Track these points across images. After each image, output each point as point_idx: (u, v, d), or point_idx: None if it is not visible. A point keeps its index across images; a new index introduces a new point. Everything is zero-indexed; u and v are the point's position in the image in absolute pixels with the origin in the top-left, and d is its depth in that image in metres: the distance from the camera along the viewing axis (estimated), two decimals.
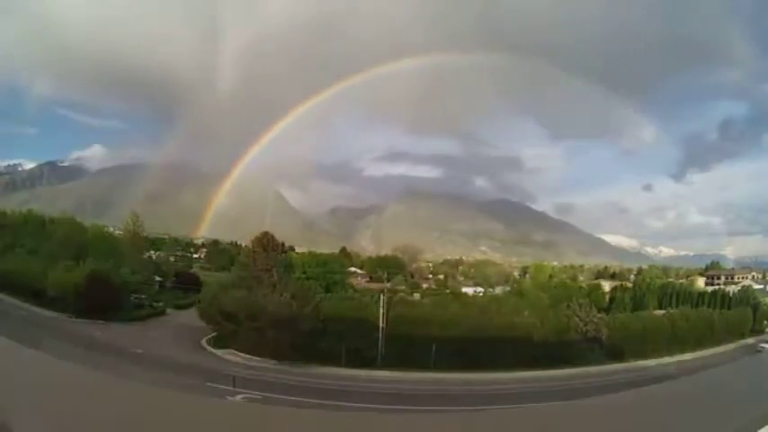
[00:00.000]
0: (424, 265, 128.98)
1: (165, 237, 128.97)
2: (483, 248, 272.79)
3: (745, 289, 73.47)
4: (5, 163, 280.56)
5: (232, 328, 36.76)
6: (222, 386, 23.61)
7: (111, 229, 77.81)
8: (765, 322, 58.38)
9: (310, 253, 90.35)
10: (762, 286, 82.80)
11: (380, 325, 36.73)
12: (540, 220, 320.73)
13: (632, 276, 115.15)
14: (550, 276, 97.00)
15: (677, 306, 55.88)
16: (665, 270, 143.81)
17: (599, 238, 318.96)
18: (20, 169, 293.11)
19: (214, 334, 40.55)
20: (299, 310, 36.69)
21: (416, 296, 69.05)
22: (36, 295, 43.95)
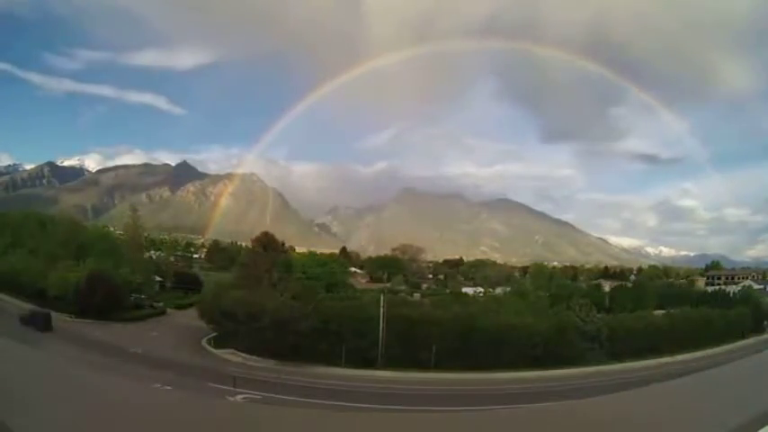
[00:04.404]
0: (424, 265, 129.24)
1: (165, 237, 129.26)
2: (483, 248, 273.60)
3: (746, 289, 73.52)
4: (5, 163, 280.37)
5: (232, 328, 36.74)
6: (222, 386, 23.63)
7: (112, 229, 77.83)
8: (765, 322, 58.38)
9: (310, 253, 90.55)
10: (762, 286, 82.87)
11: (380, 325, 36.68)
12: (540, 220, 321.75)
13: (632, 276, 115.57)
14: (550, 276, 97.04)
15: (677, 306, 55.82)
16: (666, 270, 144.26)
17: (599, 238, 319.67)
18: (20, 169, 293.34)
19: (214, 334, 40.55)
20: (298, 310, 36.67)
21: (416, 296, 69.10)
22: (36, 295, 43.97)
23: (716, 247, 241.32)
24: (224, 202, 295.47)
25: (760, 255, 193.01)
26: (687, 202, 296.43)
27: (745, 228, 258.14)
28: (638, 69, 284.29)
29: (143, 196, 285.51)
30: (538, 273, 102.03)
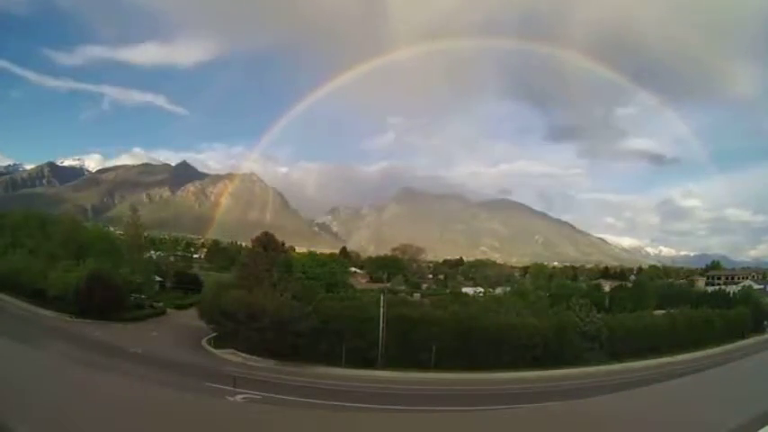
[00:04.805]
0: (424, 265, 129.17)
1: (165, 237, 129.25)
2: (483, 248, 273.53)
3: (746, 289, 73.50)
4: (5, 163, 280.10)
5: (232, 328, 36.76)
6: (222, 386, 23.62)
7: (112, 229, 77.84)
8: (765, 322, 58.40)
9: (310, 253, 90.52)
10: (762, 286, 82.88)
11: (380, 325, 36.70)
12: (540, 220, 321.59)
13: (632, 276, 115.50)
14: (550, 276, 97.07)
15: (677, 306, 55.82)
16: (666, 270, 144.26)
17: (599, 238, 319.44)
18: (20, 169, 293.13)
19: (214, 334, 40.57)
20: (299, 310, 36.69)
21: (416, 296, 69.09)
22: (36, 295, 43.96)
23: (716, 247, 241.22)
24: (224, 202, 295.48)
25: (760, 255, 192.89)
26: (688, 203, 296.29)
27: (746, 228, 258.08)
28: (644, 69, 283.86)
29: (143, 196, 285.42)
30: (538, 273, 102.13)
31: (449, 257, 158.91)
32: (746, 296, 66.33)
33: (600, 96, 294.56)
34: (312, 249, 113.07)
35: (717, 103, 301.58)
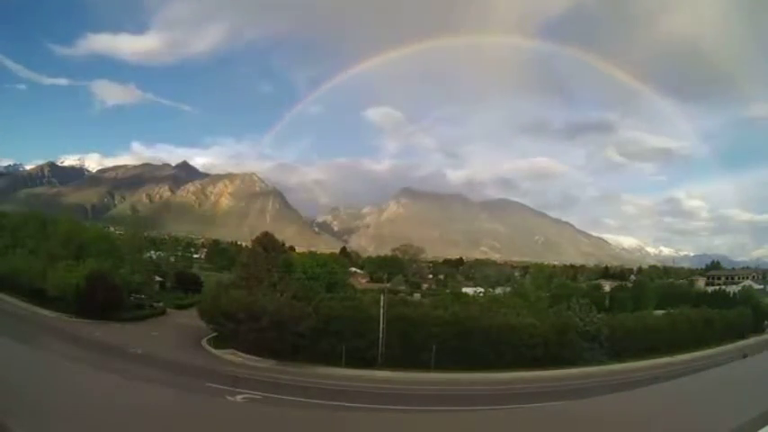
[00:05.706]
0: (423, 265, 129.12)
1: (165, 237, 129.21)
2: (483, 248, 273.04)
3: (746, 289, 73.52)
4: (5, 163, 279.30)
5: (232, 328, 36.75)
6: (222, 386, 23.62)
7: (112, 229, 77.90)
8: (765, 322, 58.42)
9: (310, 253, 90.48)
10: (762, 286, 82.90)
11: (380, 325, 36.70)
12: (540, 220, 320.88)
13: (632, 276, 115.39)
14: (550, 276, 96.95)
15: (677, 306, 55.83)
16: (666, 270, 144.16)
17: (599, 238, 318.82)
18: (20, 169, 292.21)
19: (214, 334, 40.57)
20: (299, 310, 36.68)
21: (416, 296, 69.04)
22: (36, 295, 43.98)
23: (716, 247, 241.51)
24: (224, 202, 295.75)
25: (760, 255, 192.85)
26: (689, 203, 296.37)
27: (749, 228, 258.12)
28: (651, 69, 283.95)
29: (143, 196, 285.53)
30: (538, 273, 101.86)
31: (449, 257, 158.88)
32: (746, 296, 66.39)
33: (607, 96, 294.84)
34: (312, 249, 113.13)
35: (724, 104, 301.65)
